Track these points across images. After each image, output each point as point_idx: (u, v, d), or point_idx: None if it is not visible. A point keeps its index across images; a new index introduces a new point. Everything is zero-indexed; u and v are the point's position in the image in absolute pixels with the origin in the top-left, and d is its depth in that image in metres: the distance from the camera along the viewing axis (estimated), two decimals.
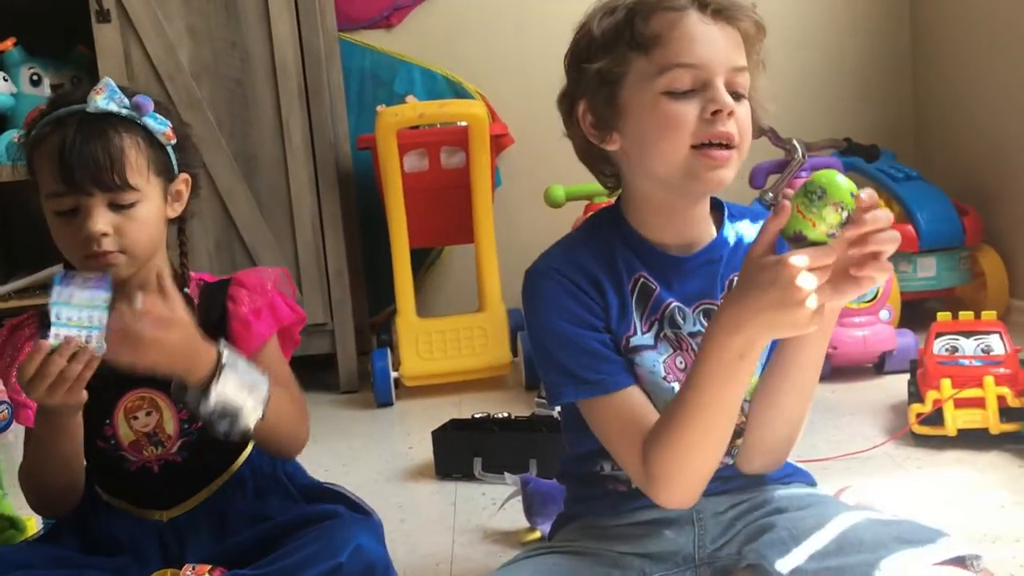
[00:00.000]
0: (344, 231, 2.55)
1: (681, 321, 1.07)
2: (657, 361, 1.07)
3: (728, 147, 1.00)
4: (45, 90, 2.52)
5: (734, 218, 1.12)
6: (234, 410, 1.09)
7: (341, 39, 2.86)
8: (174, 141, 1.16)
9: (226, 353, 1.10)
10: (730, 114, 0.99)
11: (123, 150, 1.10)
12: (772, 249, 0.92)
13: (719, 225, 1.11)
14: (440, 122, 2.51)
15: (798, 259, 0.89)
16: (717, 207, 1.12)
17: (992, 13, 2.66)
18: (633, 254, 1.08)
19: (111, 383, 1.14)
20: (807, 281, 0.88)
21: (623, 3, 1.04)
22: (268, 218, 2.49)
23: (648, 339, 1.07)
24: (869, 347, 2.26)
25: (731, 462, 1.10)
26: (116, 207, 1.10)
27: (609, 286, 1.07)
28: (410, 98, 2.74)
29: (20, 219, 2.83)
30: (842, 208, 0.90)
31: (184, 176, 1.19)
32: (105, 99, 1.11)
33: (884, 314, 2.30)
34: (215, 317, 1.18)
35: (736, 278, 1.00)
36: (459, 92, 2.94)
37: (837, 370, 2.24)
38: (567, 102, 1.09)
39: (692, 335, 1.07)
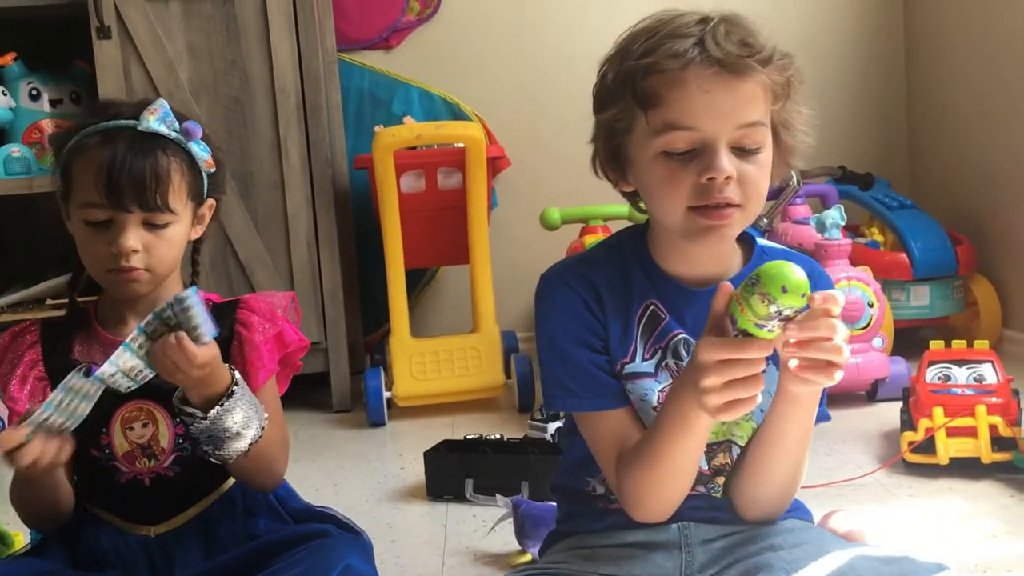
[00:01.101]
0: (340, 250, 2.55)
1: (685, 353, 1.07)
2: (651, 389, 1.07)
3: (730, 206, 0.99)
4: (44, 105, 2.53)
5: (765, 256, 1.09)
6: (224, 437, 1.10)
7: (340, 59, 2.88)
8: (213, 170, 1.18)
9: (238, 383, 1.11)
10: (728, 178, 0.98)
11: (169, 173, 1.12)
12: (717, 324, 0.92)
13: (748, 259, 1.09)
14: (437, 143, 2.53)
15: (707, 351, 0.91)
16: (748, 240, 1.11)
17: (987, 43, 2.69)
18: (648, 280, 1.08)
19: (110, 392, 1.13)
20: (707, 374, 0.90)
21: (635, 51, 1.01)
22: (264, 236, 2.49)
23: (648, 366, 1.07)
24: (862, 374, 2.26)
25: (718, 495, 1.10)
26: (150, 226, 1.12)
27: (614, 309, 1.07)
28: (408, 119, 2.76)
29: (14, 233, 2.83)
30: (769, 301, 0.85)
31: (211, 201, 1.21)
32: (158, 120, 1.13)
33: (877, 342, 2.31)
34: (222, 338, 1.18)
35: None
36: (457, 114, 2.95)
37: (829, 397, 2.23)
38: (592, 139, 1.10)
39: None
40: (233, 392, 1.10)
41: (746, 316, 0.88)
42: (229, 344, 1.18)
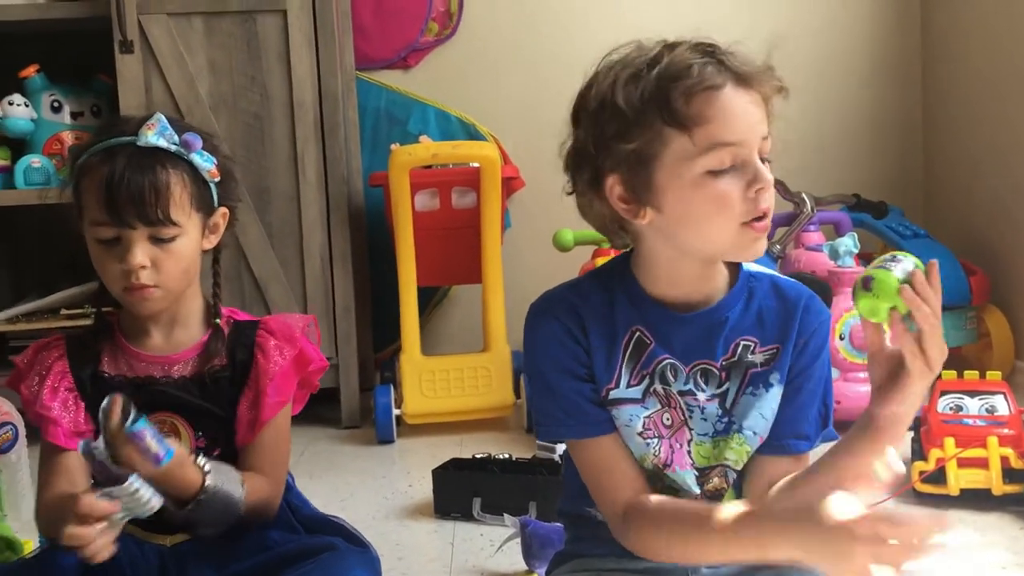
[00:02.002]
0: (353, 267, 2.56)
1: (672, 378, 1.07)
2: (636, 415, 1.07)
3: (765, 216, 1.01)
4: (65, 117, 2.56)
5: (752, 280, 1.10)
6: (200, 526, 1.13)
7: (358, 78, 2.91)
8: (218, 179, 1.19)
9: (206, 489, 1.10)
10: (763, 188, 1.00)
11: (168, 186, 1.12)
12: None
13: (734, 283, 1.09)
14: (453, 163, 2.54)
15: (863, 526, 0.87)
16: (735, 264, 1.11)
17: (1004, 71, 2.70)
18: (633, 307, 1.08)
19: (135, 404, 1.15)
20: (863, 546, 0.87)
21: (644, 69, 0.99)
22: (278, 251, 2.51)
23: (635, 392, 1.07)
24: None
25: None
26: (156, 240, 1.13)
27: (598, 336, 1.07)
28: (424, 138, 2.78)
29: (29, 244, 2.85)
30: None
31: (223, 210, 1.22)
32: (156, 135, 1.14)
33: None
34: (240, 360, 1.19)
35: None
36: (472, 134, 2.97)
37: (840, 425, 2.22)
38: (588, 171, 1.04)
39: (682, 393, 1.07)
40: (201, 501, 1.10)
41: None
42: (248, 368, 1.19)
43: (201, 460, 1.11)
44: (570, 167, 1.07)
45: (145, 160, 1.12)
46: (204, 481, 1.10)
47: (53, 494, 1.14)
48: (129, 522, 1.15)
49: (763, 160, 1.01)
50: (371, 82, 2.98)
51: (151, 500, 1.03)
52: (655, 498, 1.06)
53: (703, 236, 1.02)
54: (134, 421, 1.02)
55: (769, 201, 1.00)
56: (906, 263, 0.97)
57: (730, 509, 1.00)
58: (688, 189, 1.00)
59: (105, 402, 1.03)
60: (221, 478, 1.12)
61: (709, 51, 1.00)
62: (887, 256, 0.98)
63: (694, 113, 0.98)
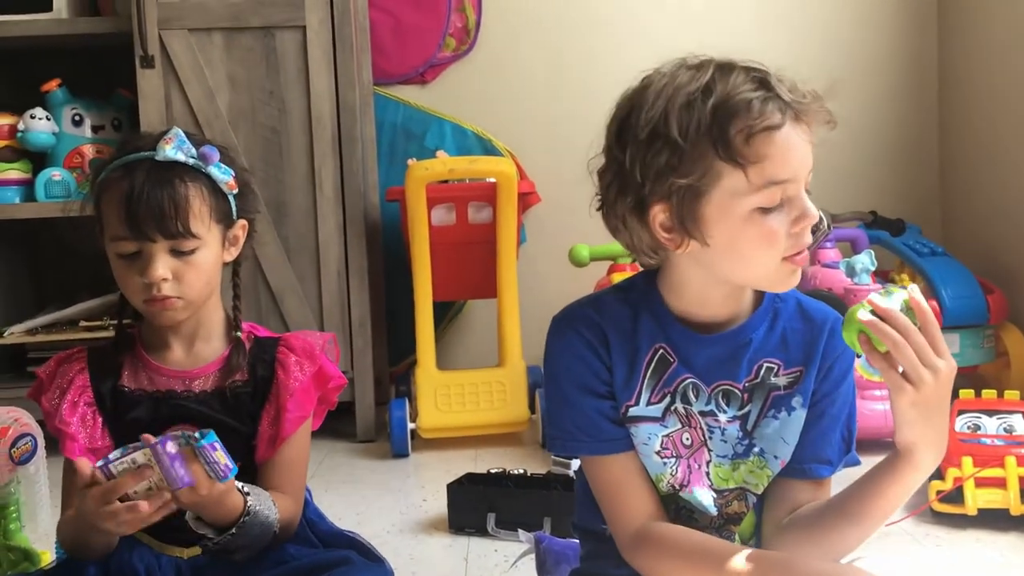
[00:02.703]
0: (369, 281, 2.57)
1: (693, 398, 1.07)
2: (655, 434, 1.07)
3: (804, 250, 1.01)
4: (86, 131, 2.58)
5: (777, 300, 1.09)
6: (234, 550, 1.14)
7: (376, 93, 2.92)
8: (236, 191, 1.20)
9: (250, 512, 1.12)
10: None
11: (187, 199, 1.14)
12: None
13: (759, 303, 1.09)
14: (469, 177, 2.55)
15: None
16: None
17: (1022, 88, 2.69)
18: (658, 325, 1.08)
19: (154, 419, 1.15)
20: None
21: (699, 98, 0.97)
22: (295, 264, 2.52)
23: (655, 411, 1.07)
24: (890, 421, 2.18)
25: (737, 541, 1.09)
26: (176, 253, 1.14)
27: (620, 353, 1.07)
28: (440, 153, 2.79)
29: (49, 255, 2.88)
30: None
31: (242, 222, 1.23)
32: (173, 149, 1.15)
33: None
34: (261, 375, 1.20)
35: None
36: (489, 149, 2.98)
37: (857, 443, 2.22)
38: (631, 197, 1.02)
39: (703, 414, 1.07)
40: (244, 523, 1.12)
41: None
42: (269, 384, 1.20)
43: (238, 483, 1.12)
44: (609, 188, 1.05)
45: (164, 174, 1.13)
46: (246, 503, 1.11)
47: (71, 511, 1.15)
48: (147, 533, 1.18)
49: (807, 193, 1.01)
50: (388, 97, 3.00)
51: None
52: (668, 527, 1.05)
53: (745, 269, 1.02)
54: (203, 435, 1.03)
55: (810, 236, 1.00)
56: (896, 295, 0.98)
57: (746, 556, 0.99)
58: (738, 225, 0.99)
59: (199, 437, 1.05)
60: (258, 500, 1.13)
61: (764, 82, 0.98)
62: (880, 290, 0.99)
63: (752, 152, 0.97)
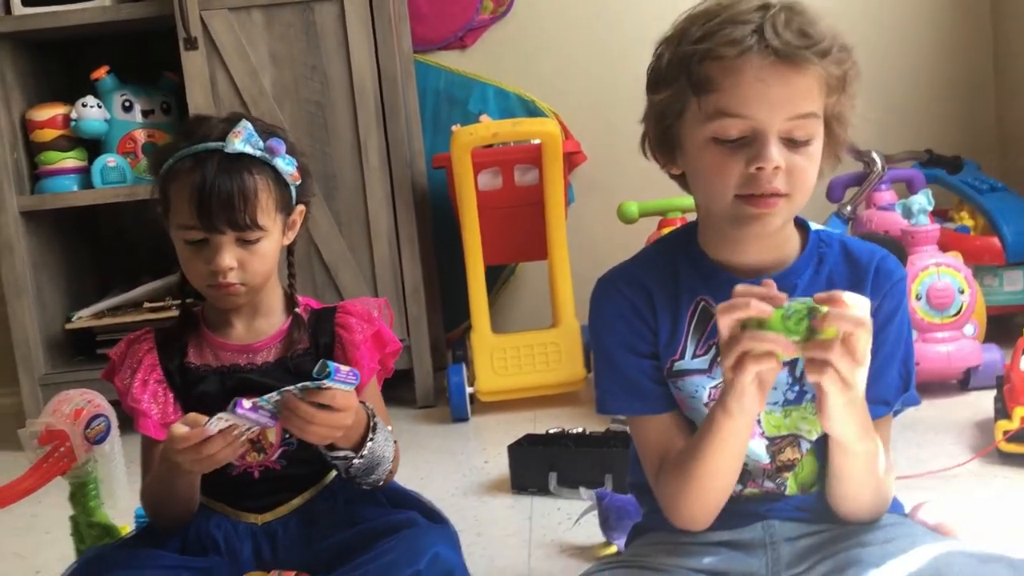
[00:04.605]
0: (420, 248, 2.59)
1: None
2: (702, 386, 1.07)
3: (776, 195, 0.99)
4: (136, 116, 2.63)
5: (822, 244, 1.08)
6: (375, 466, 1.19)
7: (416, 60, 2.92)
8: (299, 182, 1.23)
9: (374, 414, 1.18)
10: (777, 168, 0.97)
11: (256, 192, 1.17)
12: None
13: (804, 248, 1.08)
14: (514, 140, 2.54)
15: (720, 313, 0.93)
16: (802, 226, 1.10)
17: None
18: (699, 276, 1.08)
19: (221, 392, 1.20)
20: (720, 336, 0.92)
21: (693, 33, 1.00)
22: (347, 236, 2.55)
23: (700, 363, 1.07)
24: (953, 363, 2.20)
25: (788, 491, 1.09)
26: (243, 243, 1.18)
27: (664, 308, 1.08)
28: (484, 117, 2.78)
29: (110, 241, 2.95)
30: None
31: (300, 207, 1.26)
32: (243, 142, 1.18)
33: (969, 329, 2.24)
34: (323, 343, 1.24)
35: None
36: (532, 110, 2.97)
37: (920, 386, 2.18)
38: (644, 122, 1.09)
39: None
40: (376, 426, 1.17)
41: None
42: (331, 349, 1.24)
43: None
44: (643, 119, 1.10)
45: (233, 167, 1.16)
46: (368, 413, 1.17)
47: (152, 475, 1.20)
48: (222, 502, 1.23)
49: (798, 141, 0.98)
50: (429, 64, 2.99)
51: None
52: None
53: (705, 200, 1.05)
54: (320, 373, 1.06)
55: (778, 182, 0.97)
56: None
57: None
58: (697, 150, 1.01)
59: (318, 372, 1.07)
60: (375, 413, 1.19)
61: (761, 16, 0.97)
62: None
63: (705, 79, 0.98)
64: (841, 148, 1.05)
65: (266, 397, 1.07)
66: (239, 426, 1.08)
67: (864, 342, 0.91)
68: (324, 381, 1.06)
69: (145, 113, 2.64)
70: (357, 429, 1.16)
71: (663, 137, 1.05)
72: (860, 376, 0.93)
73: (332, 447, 1.17)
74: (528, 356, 2.50)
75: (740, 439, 1.01)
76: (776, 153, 0.97)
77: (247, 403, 1.05)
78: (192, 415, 1.10)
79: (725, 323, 0.92)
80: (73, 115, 2.55)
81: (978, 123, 3.00)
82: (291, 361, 1.23)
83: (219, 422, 1.06)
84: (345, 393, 1.09)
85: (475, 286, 2.52)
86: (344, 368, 1.07)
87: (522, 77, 3.00)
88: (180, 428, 1.08)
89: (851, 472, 1.03)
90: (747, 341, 0.91)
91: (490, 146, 2.53)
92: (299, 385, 1.07)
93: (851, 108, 1.04)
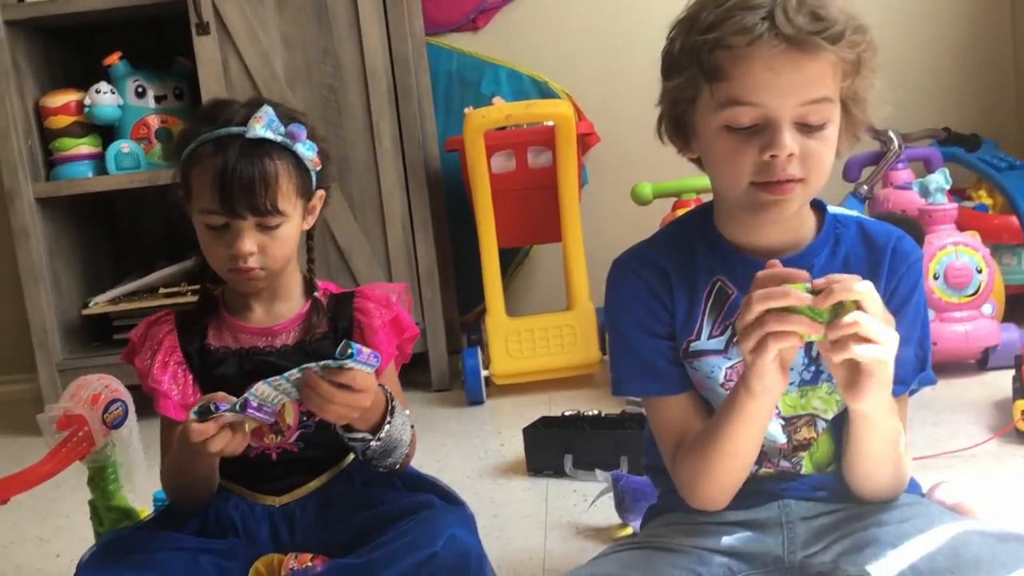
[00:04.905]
0: (434, 232, 2.59)
1: None
2: (718, 367, 1.07)
3: (791, 181, 0.98)
4: (149, 102, 2.63)
5: (839, 226, 1.08)
6: (392, 449, 1.19)
7: (428, 43, 2.91)
8: (319, 167, 1.23)
9: (393, 397, 1.19)
10: (791, 155, 0.96)
11: (276, 178, 1.17)
12: None
13: (820, 229, 1.08)
14: (527, 122, 2.53)
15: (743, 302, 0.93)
16: (819, 208, 1.09)
17: None
18: (715, 257, 1.07)
19: (240, 374, 1.20)
20: (739, 318, 0.92)
21: (704, 19, 0.99)
22: (360, 220, 2.55)
23: (717, 343, 1.07)
24: (971, 342, 2.19)
25: (804, 471, 1.09)
26: (263, 228, 1.18)
27: (680, 289, 1.07)
28: (497, 99, 2.77)
29: (124, 226, 2.96)
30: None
31: (320, 192, 1.26)
32: (264, 127, 1.18)
33: (987, 308, 2.23)
34: (341, 327, 1.25)
35: None
36: (545, 92, 2.95)
37: (938, 366, 2.16)
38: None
39: None
40: (394, 409, 1.18)
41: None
42: (350, 333, 1.24)
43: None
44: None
45: (254, 152, 1.16)
46: (387, 395, 1.18)
47: (171, 456, 1.21)
48: (240, 484, 1.24)
49: (813, 126, 0.97)
50: (441, 46, 2.98)
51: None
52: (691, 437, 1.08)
53: (720, 186, 1.04)
54: (341, 354, 1.06)
55: (793, 169, 0.97)
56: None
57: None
58: (710, 137, 1.01)
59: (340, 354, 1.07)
60: (392, 395, 1.20)
61: (773, 1, 0.95)
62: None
63: (715, 67, 0.97)
64: (859, 128, 1.04)
65: (286, 374, 1.08)
66: (240, 420, 1.09)
67: (879, 303, 0.91)
68: (346, 361, 1.06)
69: (158, 99, 2.65)
70: (375, 411, 1.17)
71: (677, 123, 1.05)
72: (893, 339, 0.92)
73: (350, 428, 1.17)
74: (543, 339, 2.50)
75: (762, 420, 1.01)
76: (789, 140, 0.96)
77: (254, 402, 1.07)
78: (216, 395, 1.10)
79: (757, 310, 0.91)
80: (86, 101, 2.55)
81: (997, 101, 2.97)
82: (310, 345, 1.23)
83: (226, 416, 1.08)
84: (365, 374, 1.09)
85: (489, 269, 2.51)
86: (366, 350, 1.08)
87: (535, 58, 2.98)
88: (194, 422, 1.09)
89: (873, 448, 1.02)
90: (773, 323, 0.90)
91: (503, 128, 2.52)
92: (321, 363, 1.07)
93: (869, 88, 1.02)
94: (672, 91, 1.03)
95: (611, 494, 1.54)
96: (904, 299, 1.07)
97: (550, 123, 2.48)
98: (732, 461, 1.04)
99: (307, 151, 1.21)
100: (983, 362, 2.23)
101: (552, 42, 2.99)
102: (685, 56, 1.00)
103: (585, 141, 2.79)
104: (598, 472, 1.62)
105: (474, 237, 2.54)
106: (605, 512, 1.58)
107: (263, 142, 1.17)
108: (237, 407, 1.08)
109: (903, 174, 2.48)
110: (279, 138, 1.19)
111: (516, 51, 2.99)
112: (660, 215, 2.63)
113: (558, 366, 2.50)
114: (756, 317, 0.91)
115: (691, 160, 1.10)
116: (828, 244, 1.07)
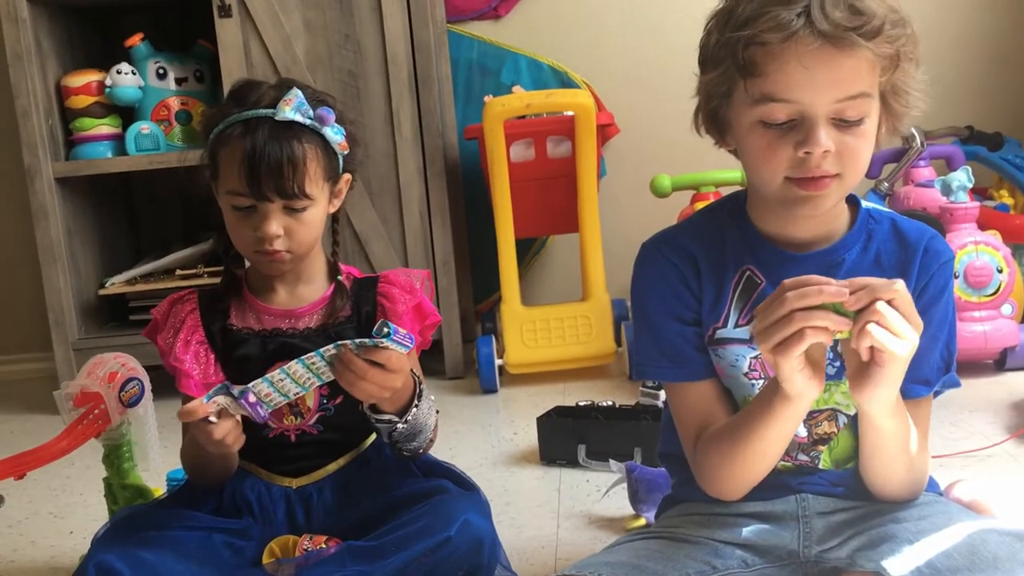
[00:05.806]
0: (451, 220, 2.59)
1: None
2: (743, 356, 1.06)
3: (826, 176, 0.97)
4: (170, 83, 2.63)
5: (872, 221, 1.07)
6: (417, 433, 1.20)
7: (449, 30, 2.90)
8: (347, 151, 1.23)
9: (421, 380, 1.19)
10: (826, 152, 0.96)
11: (304, 161, 1.17)
12: None
13: (853, 222, 1.07)
14: (546, 112, 2.52)
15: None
16: (853, 202, 1.08)
17: None
18: (746, 246, 1.07)
19: (262, 355, 1.21)
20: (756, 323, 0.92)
21: (740, 14, 0.98)
22: (378, 206, 2.55)
23: (743, 333, 1.06)
24: (990, 343, 2.17)
25: (821, 465, 1.09)
26: (289, 211, 1.18)
27: (708, 275, 1.07)
28: (517, 88, 2.76)
29: (143, 207, 2.97)
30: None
31: (347, 176, 1.26)
32: (293, 110, 1.18)
33: (1006, 309, 2.21)
34: (365, 312, 1.25)
35: None
36: (565, 82, 2.94)
37: (957, 366, 2.16)
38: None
39: None
40: (422, 393, 1.18)
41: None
42: (373, 318, 1.24)
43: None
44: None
45: (283, 134, 1.16)
46: (415, 379, 1.18)
47: (189, 436, 1.21)
48: (257, 464, 1.25)
49: (849, 121, 0.96)
50: (462, 34, 2.97)
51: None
52: (714, 428, 1.07)
53: (756, 180, 1.03)
54: (379, 332, 1.07)
55: (828, 165, 0.96)
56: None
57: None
58: (745, 132, 1.00)
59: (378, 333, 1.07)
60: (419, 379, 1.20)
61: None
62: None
63: (750, 63, 0.97)
64: (901, 120, 1.04)
65: (322, 350, 1.08)
66: (231, 409, 1.10)
67: (910, 304, 0.91)
68: (382, 340, 1.06)
69: (179, 81, 2.65)
70: (404, 394, 1.17)
71: (713, 116, 1.05)
72: (913, 338, 0.91)
73: (377, 410, 1.17)
74: (558, 329, 2.49)
75: (793, 423, 1.00)
76: (824, 137, 0.95)
77: (252, 398, 1.08)
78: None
79: (788, 308, 0.90)
80: (108, 82, 2.55)
81: (1021, 99, 2.94)
82: (333, 328, 1.23)
83: (216, 404, 1.08)
84: (399, 355, 1.09)
85: (506, 258, 2.51)
86: (402, 331, 1.08)
87: (555, 48, 2.97)
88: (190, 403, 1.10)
89: (880, 447, 1.02)
90: (799, 320, 0.89)
91: (523, 117, 2.51)
92: (357, 341, 1.07)
93: (910, 80, 1.01)
94: (708, 84, 1.03)
95: (624, 485, 1.54)
96: (933, 299, 1.06)
97: (570, 113, 2.47)
98: (758, 460, 1.03)
99: (335, 135, 1.21)
100: (1001, 363, 2.21)
101: (573, 32, 2.98)
102: (720, 50, 1.00)
103: (605, 132, 2.78)
104: (612, 462, 1.61)
105: (491, 226, 2.54)
106: (618, 502, 1.58)
107: (292, 125, 1.17)
108: (235, 393, 1.08)
109: (925, 172, 2.46)
110: (308, 121, 1.18)
111: (537, 40, 2.97)
112: (678, 208, 2.62)
113: (573, 356, 2.49)
114: (785, 315, 0.90)
115: (729, 152, 1.09)
116: (860, 239, 1.06)
